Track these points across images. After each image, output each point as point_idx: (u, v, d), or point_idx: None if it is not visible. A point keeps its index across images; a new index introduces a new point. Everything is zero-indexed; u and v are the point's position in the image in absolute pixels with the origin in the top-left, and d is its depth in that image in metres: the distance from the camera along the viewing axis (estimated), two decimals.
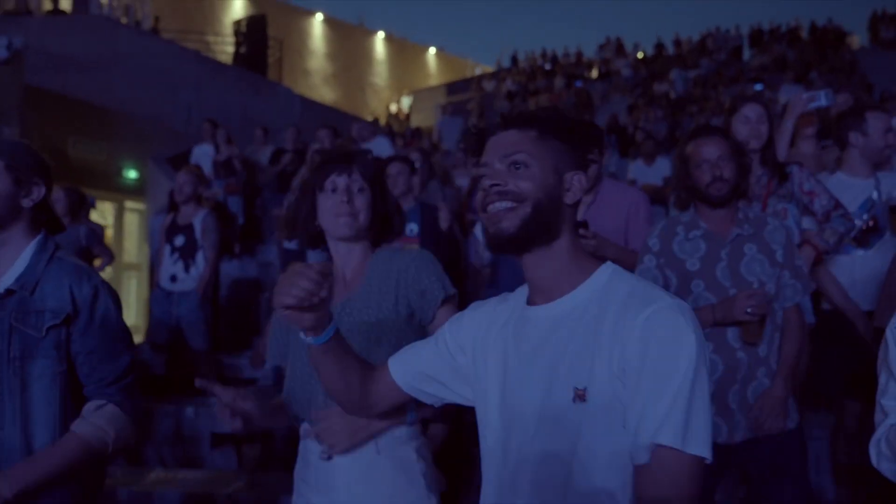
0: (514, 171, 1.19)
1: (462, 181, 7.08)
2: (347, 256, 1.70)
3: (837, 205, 2.78)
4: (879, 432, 1.45)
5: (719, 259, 2.20)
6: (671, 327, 1.08)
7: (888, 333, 1.50)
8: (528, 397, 1.17)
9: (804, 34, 19.08)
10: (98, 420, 1.60)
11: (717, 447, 1.16)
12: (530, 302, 1.25)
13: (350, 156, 1.69)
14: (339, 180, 1.64)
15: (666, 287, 2.23)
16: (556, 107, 1.29)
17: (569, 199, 1.21)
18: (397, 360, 1.39)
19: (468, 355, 1.31)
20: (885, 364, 1.50)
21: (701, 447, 1.06)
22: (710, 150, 2.21)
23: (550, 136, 1.22)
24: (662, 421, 1.05)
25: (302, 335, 1.30)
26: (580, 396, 1.11)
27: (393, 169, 3.96)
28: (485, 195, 1.21)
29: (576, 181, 1.22)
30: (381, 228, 1.72)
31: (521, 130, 1.22)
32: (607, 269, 1.21)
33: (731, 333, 2.15)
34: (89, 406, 1.62)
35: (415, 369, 1.36)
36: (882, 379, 1.50)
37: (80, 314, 1.64)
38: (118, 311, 1.71)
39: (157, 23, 14.13)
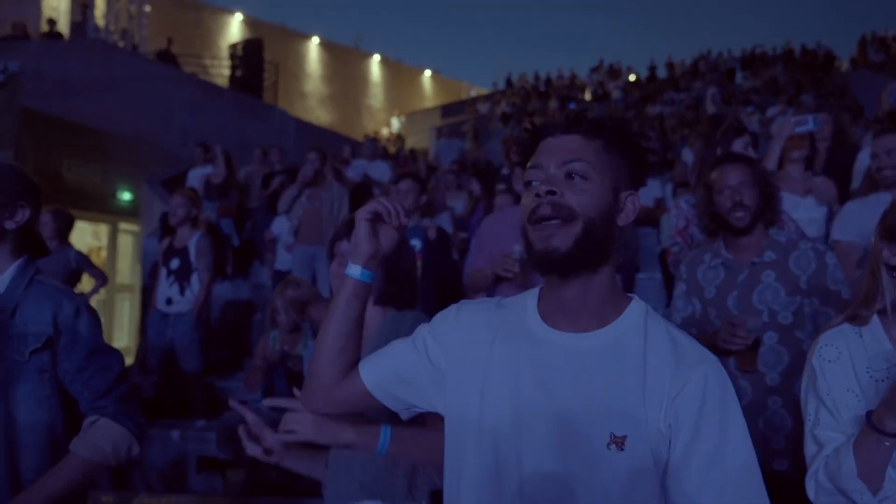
0: (570, 181, 1.09)
1: (454, 203, 7.10)
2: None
3: (803, 234, 2.78)
4: (816, 464, 1.41)
5: (734, 287, 2.20)
6: (721, 391, 1.07)
7: (814, 361, 1.47)
8: (546, 433, 1.06)
9: (796, 57, 19.30)
10: (92, 436, 1.61)
11: None
12: (549, 322, 1.13)
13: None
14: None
15: (693, 314, 2.27)
16: (623, 118, 1.20)
17: (621, 220, 1.12)
18: (369, 363, 1.26)
19: (449, 358, 1.19)
20: (813, 392, 1.46)
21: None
22: (731, 177, 2.21)
23: (616, 150, 1.12)
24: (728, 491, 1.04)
25: (350, 264, 1.25)
26: (618, 444, 1.03)
27: (404, 185, 3.98)
28: (537, 202, 1.09)
29: (629, 202, 1.13)
30: (393, 292, 1.67)
31: (587, 138, 1.11)
32: (641, 305, 1.13)
33: (733, 362, 2.13)
34: (85, 423, 1.64)
35: (388, 372, 1.24)
36: (810, 409, 1.47)
37: (63, 334, 1.64)
38: (99, 328, 1.72)
39: (169, 44, 14.09)
